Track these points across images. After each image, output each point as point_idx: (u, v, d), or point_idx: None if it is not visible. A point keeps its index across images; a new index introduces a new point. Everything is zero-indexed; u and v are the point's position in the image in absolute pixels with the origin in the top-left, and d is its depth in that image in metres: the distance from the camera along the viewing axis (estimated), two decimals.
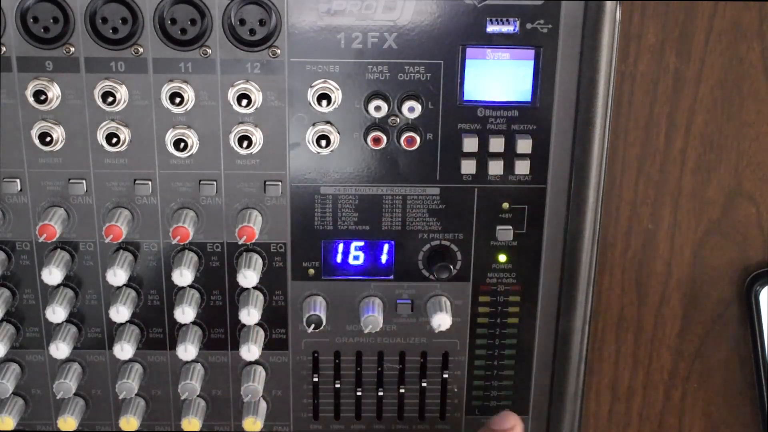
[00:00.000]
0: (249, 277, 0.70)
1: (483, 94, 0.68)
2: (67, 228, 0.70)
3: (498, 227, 0.72)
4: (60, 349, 0.71)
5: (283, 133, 0.68)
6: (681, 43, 0.75)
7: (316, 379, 0.76)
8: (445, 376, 0.76)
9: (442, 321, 0.72)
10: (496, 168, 0.70)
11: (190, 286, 0.72)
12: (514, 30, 0.66)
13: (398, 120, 0.68)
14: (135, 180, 0.69)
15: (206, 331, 0.74)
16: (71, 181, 0.69)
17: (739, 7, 0.74)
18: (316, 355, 0.75)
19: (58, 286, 0.71)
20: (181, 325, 0.73)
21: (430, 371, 0.76)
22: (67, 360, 0.74)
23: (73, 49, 0.65)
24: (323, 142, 0.68)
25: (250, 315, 0.71)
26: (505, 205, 0.71)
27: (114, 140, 0.67)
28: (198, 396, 0.75)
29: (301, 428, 0.77)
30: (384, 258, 0.72)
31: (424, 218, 0.71)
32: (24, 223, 0.70)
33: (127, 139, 0.68)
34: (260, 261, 0.71)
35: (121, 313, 0.70)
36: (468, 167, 0.70)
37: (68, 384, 0.73)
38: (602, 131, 0.69)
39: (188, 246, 0.71)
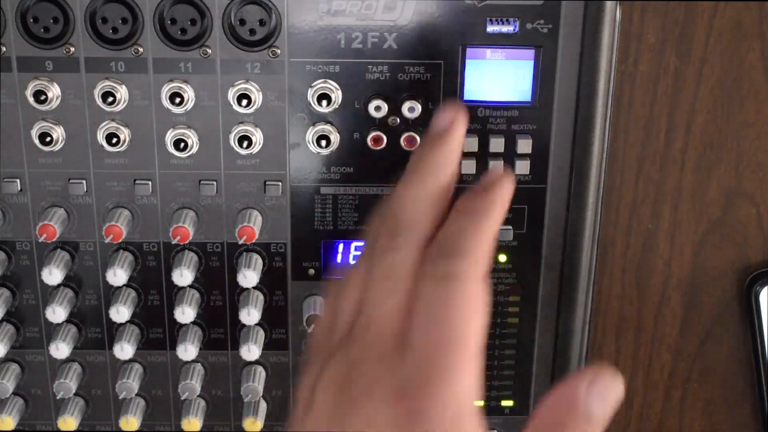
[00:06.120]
0: (249, 277, 0.70)
1: (483, 94, 0.68)
2: (67, 228, 0.70)
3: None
4: (60, 349, 0.71)
5: (283, 133, 0.68)
6: (681, 43, 0.74)
7: None
8: None
9: None
10: (496, 168, 0.70)
11: (190, 286, 0.72)
12: (514, 30, 0.66)
13: (398, 120, 0.68)
14: (135, 180, 0.69)
15: (206, 331, 0.74)
16: (71, 181, 0.69)
17: (739, 7, 0.73)
18: None
19: (58, 286, 0.71)
20: (181, 325, 0.73)
21: None
22: (67, 360, 0.74)
23: (73, 49, 0.65)
24: (323, 142, 0.68)
25: (250, 315, 0.71)
26: None
27: (114, 140, 0.67)
28: (198, 396, 0.75)
29: None
30: None
31: None
32: (24, 223, 0.70)
33: (127, 139, 0.68)
34: (260, 261, 0.71)
35: (121, 313, 0.70)
36: (468, 167, 0.70)
37: (68, 384, 0.73)
38: (602, 131, 0.68)
39: (188, 246, 0.71)
